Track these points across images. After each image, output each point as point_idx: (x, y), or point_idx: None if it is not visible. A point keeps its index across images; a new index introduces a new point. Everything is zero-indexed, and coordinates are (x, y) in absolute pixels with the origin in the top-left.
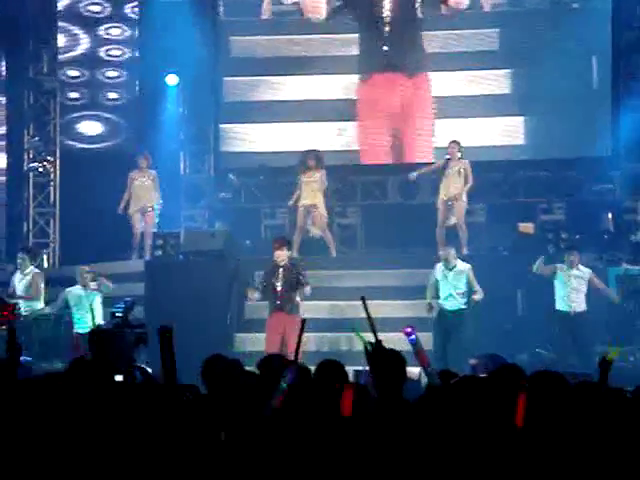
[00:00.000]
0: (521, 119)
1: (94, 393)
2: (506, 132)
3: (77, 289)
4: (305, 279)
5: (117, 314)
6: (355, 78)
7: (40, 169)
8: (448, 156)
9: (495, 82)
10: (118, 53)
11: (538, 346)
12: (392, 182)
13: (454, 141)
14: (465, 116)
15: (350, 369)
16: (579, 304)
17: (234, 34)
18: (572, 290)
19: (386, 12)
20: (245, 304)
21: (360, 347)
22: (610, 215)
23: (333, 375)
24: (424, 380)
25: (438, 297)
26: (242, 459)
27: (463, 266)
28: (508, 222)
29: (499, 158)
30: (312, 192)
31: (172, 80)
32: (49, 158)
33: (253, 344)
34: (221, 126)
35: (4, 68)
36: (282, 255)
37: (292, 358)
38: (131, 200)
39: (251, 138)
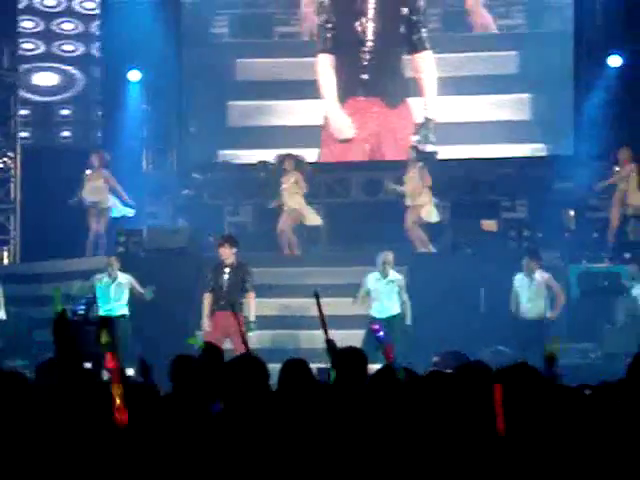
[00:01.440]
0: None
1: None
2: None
3: None
4: (250, 284)
5: (79, 311)
6: None
7: (0, 165)
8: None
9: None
10: (71, 48)
11: (500, 343)
12: (356, 180)
13: (411, 146)
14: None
15: (313, 367)
16: (540, 309)
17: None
18: (529, 299)
19: (368, 37)
20: None
21: (322, 344)
22: (572, 213)
23: (299, 374)
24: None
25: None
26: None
27: (395, 276)
28: (471, 220)
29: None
30: (290, 196)
31: (134, 76)
32: (10, 154)
33: None
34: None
35: None
36: (226, 253)
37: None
38: (85, 198)
39: None
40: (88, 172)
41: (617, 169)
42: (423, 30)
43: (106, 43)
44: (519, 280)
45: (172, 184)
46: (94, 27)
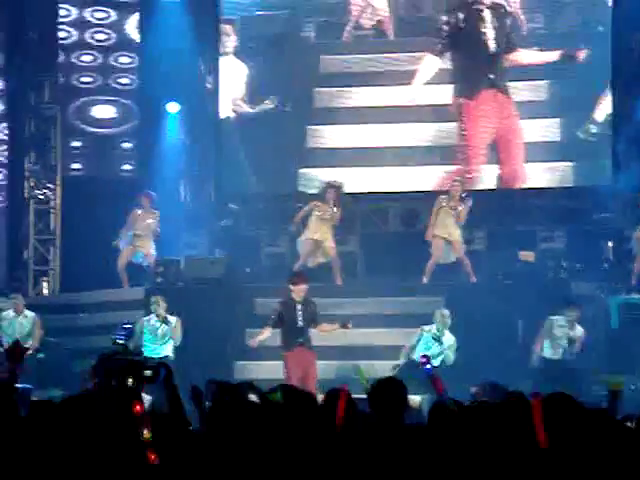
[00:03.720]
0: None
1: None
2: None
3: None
4: (318, 316)
5: (119, 341)
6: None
7: (41, 196)
8: (449, 191)
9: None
10: (125, 81)
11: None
12: (393, 210)
13: (458, 180)
14: None
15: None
16: (566, 352)
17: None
18: (558, 343)
19: (491, 42)
20: (246, 332)
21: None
22: (610, 244)
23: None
24: (425, 409)
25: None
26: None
27: (450, 340)
28: (508, 250)
29: None
30: (323, 227)
31: (173, 108)
32: (50, 185)
33: (253, 372)
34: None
35: (5, 95)
36: (304, 290)
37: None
38: (128, 234)
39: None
40: (139, 212)
41: None
42: None
43: (143, 75)
44: (559, 323)
45: (209, 214)
46: (116, 58)
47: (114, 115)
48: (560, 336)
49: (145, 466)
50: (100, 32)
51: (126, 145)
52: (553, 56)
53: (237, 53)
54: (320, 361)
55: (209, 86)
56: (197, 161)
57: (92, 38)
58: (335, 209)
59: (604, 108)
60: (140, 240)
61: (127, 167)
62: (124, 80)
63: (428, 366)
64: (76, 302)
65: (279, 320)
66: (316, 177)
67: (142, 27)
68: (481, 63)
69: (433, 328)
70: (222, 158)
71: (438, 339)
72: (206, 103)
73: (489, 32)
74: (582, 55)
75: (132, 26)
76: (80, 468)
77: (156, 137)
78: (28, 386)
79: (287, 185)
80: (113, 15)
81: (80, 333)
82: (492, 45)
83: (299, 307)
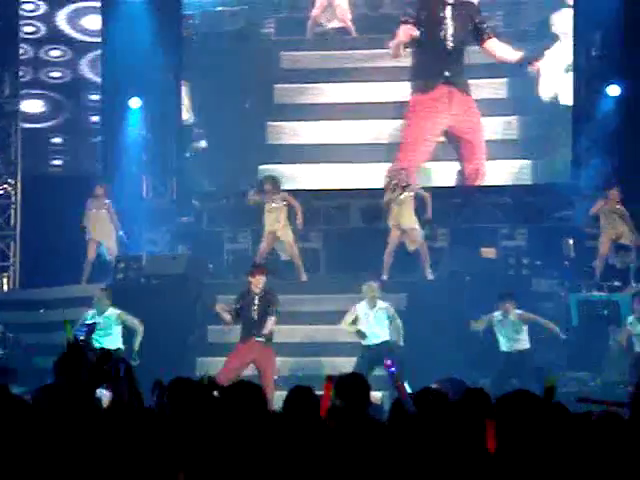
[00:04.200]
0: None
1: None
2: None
3: None
4: (273, 310)
5: (80, 337)
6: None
7: (0, 192)
8: (396, 182)
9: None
10: (56, 75)
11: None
12: (354, 207)
13: (402, 168)
14: None
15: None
16: (520, 343)
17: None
18: (507, 336)
19: (449, 39)
20: (207, 328)
21: (325, 371)
22: (571, 241)
23: (304, 401)
24: (386, 405)
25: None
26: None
27: (383, 305)
28: (470, 247)
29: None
30: (273, 219)
31: (135, 103)
32: (10, 181)
33: (215, 368)
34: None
35: None
36: (262, 282)
37: (269, 388)
38: (88, 228)
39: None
40: (89, 201)
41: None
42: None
43: (105, 70)
44: (497, 318)
45: (171, 211)
46: (87, 54)
47: (43, 109)
48: (505, 328)
49: (106, 463)
50: (29, 24)
51: (56, 140)
52: (514, 56)
53: (198, 49)
54: (282, 357)
55: (171, 82)
56: (159, 157)
57: (21, 31)
58: (277, 197)
59: None
60: (98, 231)
61: (57, 162)
62: (55, 74)
63: (393, 369)
64: (36, 298)
65: (237, 313)
66: (277, 173)
67: (105, 22)
68: (437, 59)
69: (364, 304)
70: (184, 154)
71: (371, 306)
72: (168, 99)
73: (449, 29)
74: (536, 67)
75: (62, 18)
76: (44, 465)
77: (118, 133)
78: None
79: (248, 181)
80: (43, 7)
81: (41, 329)
82: (450, 42)
83: (256, 300)
